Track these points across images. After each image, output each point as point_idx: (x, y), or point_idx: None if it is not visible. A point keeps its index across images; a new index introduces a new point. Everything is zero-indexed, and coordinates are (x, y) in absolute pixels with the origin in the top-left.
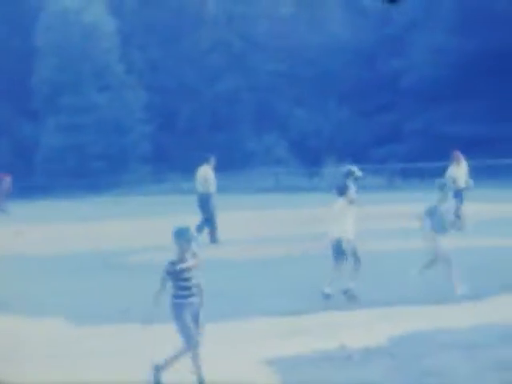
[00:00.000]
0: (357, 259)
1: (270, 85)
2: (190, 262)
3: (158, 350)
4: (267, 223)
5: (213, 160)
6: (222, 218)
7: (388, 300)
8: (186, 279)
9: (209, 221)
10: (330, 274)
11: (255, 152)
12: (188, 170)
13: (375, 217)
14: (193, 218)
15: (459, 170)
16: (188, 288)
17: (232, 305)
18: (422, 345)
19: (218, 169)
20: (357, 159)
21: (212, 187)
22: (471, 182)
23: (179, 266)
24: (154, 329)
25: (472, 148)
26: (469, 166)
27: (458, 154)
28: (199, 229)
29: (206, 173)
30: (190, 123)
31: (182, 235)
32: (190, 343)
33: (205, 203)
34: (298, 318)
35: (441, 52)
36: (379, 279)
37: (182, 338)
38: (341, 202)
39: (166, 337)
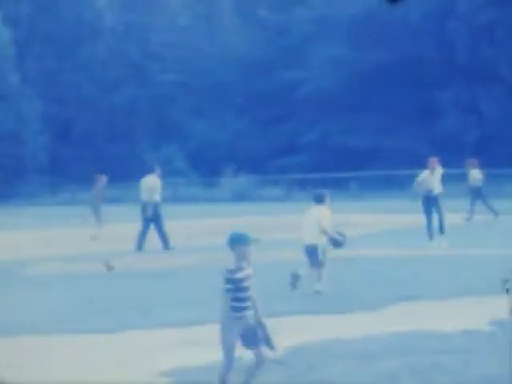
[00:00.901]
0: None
1: (168, 95)
2: (249, 270)
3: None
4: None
5: (158, 169)
6: (122, 230)
7: (284, 310)
8: (244, 289)
9: (158, 229)
10: (317, 273)
11: (152, 163)
12: (84, 180)
13: (272, 227)
14: (88, 229)
15: (433, 177)
16: (245, 299)
17: (131, 315)
18: (316, 355)
19: (115, 180)
20: (255, 170)
21: (159, 196)
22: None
23: (238, 275)
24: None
25: (367, 159)
26: (365, 176)
27: (434, 161)
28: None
29: (153, 182)
30: (87, 134)
31: (241, 240)
32: (228, 363)
33: (151, 212)
34: (196, 327)
35: (337, 63)
36: (279, 288)
37: (223, 357)
38: (316, 209)
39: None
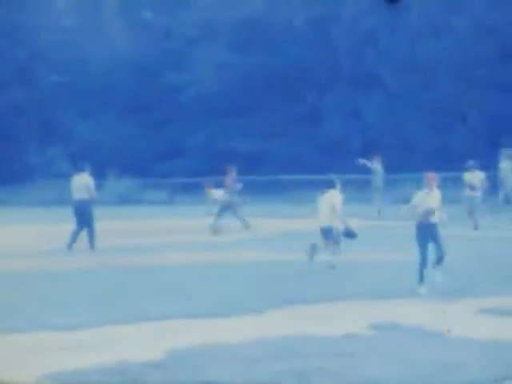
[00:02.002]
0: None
1: (53, 97)
2: None
3: None
4: (55, 237)
5: (88, 167)
6: (3, 231)
7: (168, 314)
8: None
9: (89, 227)
10: (332, 249)
11: (37, 165)
12: None
13: (155, 231)
14: None
15: (431, 199)
16: None
17: (17, 319)
18: (200, 359)
19: None
20: (139, 173)
21: (92, 194)
22: (444, 217)
23: None
24: None
25: (252, 163)
26: (250, 181)
27: (433, 177)
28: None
29: (85, 180)
30: None
31: None
32: None
33: (84, 210)
34: (81, 331)
35: (222, 67)
36: (164, 291)
37: None
38: (330, 193)
39: None
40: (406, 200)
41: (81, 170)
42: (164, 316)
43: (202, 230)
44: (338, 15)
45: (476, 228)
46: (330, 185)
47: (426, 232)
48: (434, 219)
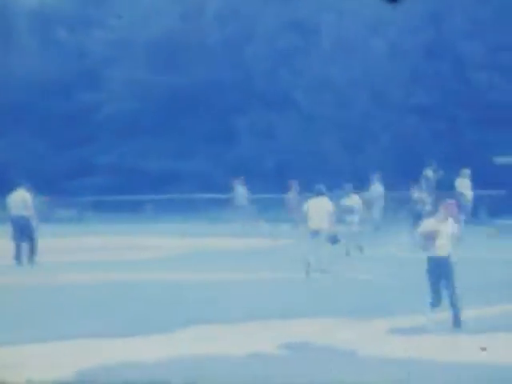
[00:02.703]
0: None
1: None
2: None
3: None
4: None
5: (26, 183)
6: None
7: (74, 333)
8: None
9: (31, 242)
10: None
11: None
12: None
13: (64, 249)
14: None
15: (445, 229)
16: None
17: None
18: (104, 379)
19: None
20: (50, 191)
21: (30, 210)
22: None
23: None
24: None
25: (164, 182)
26: (161, 199)
27: (450, 205)
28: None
29: (23, 196)
30: None
31: None
32: None
33: (25, 226)
34: None
35: (135, 86)
36: (74, 310)
37: None
38: (320, 200)
39: None
40: None
41: (19, 185)
42: (75, 335)
43: (113, 248)
44: (251, 36)
45: (361, 250)
46: (319, 192)
47: (439, 268)
48: (446, 252)
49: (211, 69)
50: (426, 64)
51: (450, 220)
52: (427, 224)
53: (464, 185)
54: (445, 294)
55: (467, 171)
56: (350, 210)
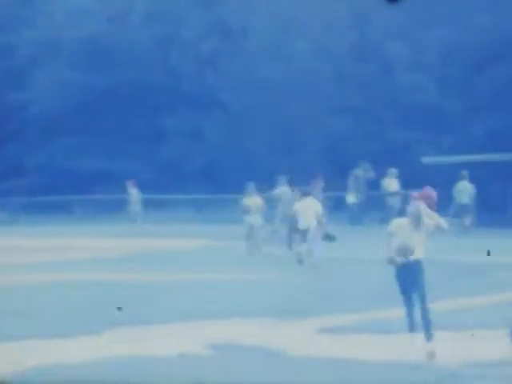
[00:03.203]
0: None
1: None
2: None
3: None
4: None
5: None
6: None
7: (18, 335)
8: None
9: None
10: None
11: None
12: None
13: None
14: None
15: (417, 233)
16: None
17: None
18: (37, 379)
19: None
20: None
21: None
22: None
23: None
24: None
25: (94, 182)
26: (91, 200)
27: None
28: None
29: None
30: None
31: None
32: None
33: None
34: None
35: (64, 86)
36: (14, 312)
37: None
38: (307, 200)
39: None
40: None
41: None
42: (6, 336)
43: (45, 250)
44: (178, 37)
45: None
46: (306, 193)
47: (408, 275)
48: (418, 256)
49: (139, 69)
50: (353, 65)
51: (422, 219)
52: (396, 224)
53: (391, 185)
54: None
55: (394, 171)
56: (248, 210)
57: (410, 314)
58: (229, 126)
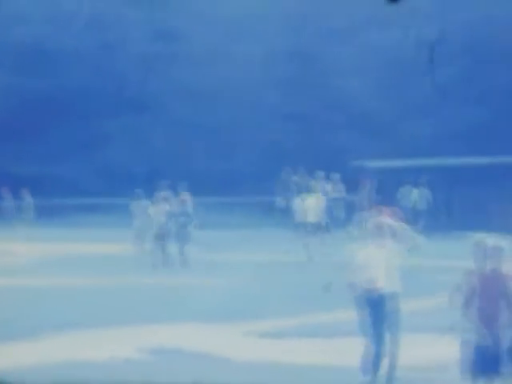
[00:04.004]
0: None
1: None
2: None
3: None
4: None
5: None
6: None
7: None
8: None
9: None
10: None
11: None
12: None
13: None
14: None
15: (381, 255)
16: None
17: None
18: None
19: None
20: None
21: None
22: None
23: None
24: None
25: (33, 187)
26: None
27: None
28: None
29: None
30: None
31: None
32: None
33: None
34: None
35: (6, 90)
36: None
37: None
38: (313, 196)
39: None
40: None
41: None
42: None
43: None
44: (122, 42)
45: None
46: (312, 189)
47: (377, 310)
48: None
49: (82, 74)
50: (293, 69)
51: (389, 238)
52: (357, 251)
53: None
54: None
55: (321, 174)
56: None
57: (378, 356)
58: (172, 131)
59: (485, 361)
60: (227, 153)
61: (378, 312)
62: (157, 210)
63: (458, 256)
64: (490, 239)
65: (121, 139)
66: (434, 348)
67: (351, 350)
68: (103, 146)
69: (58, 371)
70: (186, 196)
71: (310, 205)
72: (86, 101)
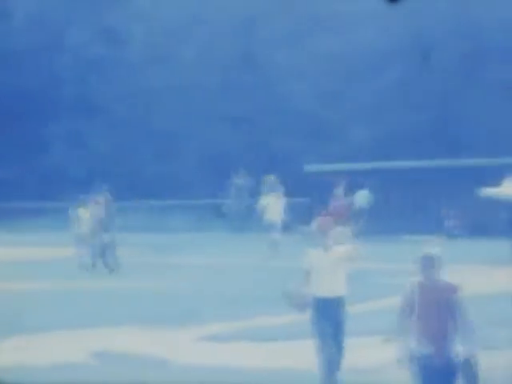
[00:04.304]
0: None
1: None
2: None
3: None
4: None
5: None
6: None
7: None
8: None
9: None
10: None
11: None
12: None
13: None
14: None
15: (328, 263)
16: None
17: None
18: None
19: None
20: None
21: None
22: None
23: None
24: None
25: None
26: None
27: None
28: None
29: None
30: None
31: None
32: None
33: None
34: None
35: None
36: None
37: None
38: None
39: None
40: (137, 228)
41: None
42: None
43: None
44: (61, 44)
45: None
46: (273, 189)
47: (326, 315)
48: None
49: (21, 76)
50: (237, 73)
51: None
52: (309, 259)
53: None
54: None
55: (272, 178)
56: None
57: (330, 366)
58: (112, 133)
59: (434, 376)
60: (170, 156)
61: (323, 317)
62: (91, 213)
63: (396, 259)
64: (435, 249)
65: (62, 142)
66: (378, 351)
67: (302, 353)
68: (44, 149)
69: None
70: (104, 199)
71: (272, 204)
72: (25, 103)
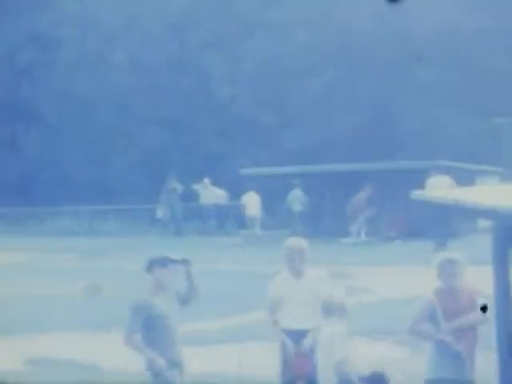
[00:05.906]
0: None
1: None
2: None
3: None
4: None
5: None
6: None
7: None
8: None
9: None
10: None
11: None
12: None
13: None
14: None
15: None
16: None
17: None
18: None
19: None
20: None
21: None
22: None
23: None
24: None
25: None
26: None
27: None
28: None
29: None
30: None
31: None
32: None
33: None
34: None
35: None
36: None
37: None
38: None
39: None
40: (66, 232)
41: None
42: None
43: None
44: None
45: None
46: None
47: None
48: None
49: None
50: (171, 77)
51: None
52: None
53: (207, 195)
54: None
55: (207, 181)
56: None
57: None
58: (46, 138)
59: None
60: (101, 160)
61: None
62: None
63: (333, 261)
64: (453, 255)
65: None
66: None
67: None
68: None
69: None
70: None
71: (250, 202)
72: None
